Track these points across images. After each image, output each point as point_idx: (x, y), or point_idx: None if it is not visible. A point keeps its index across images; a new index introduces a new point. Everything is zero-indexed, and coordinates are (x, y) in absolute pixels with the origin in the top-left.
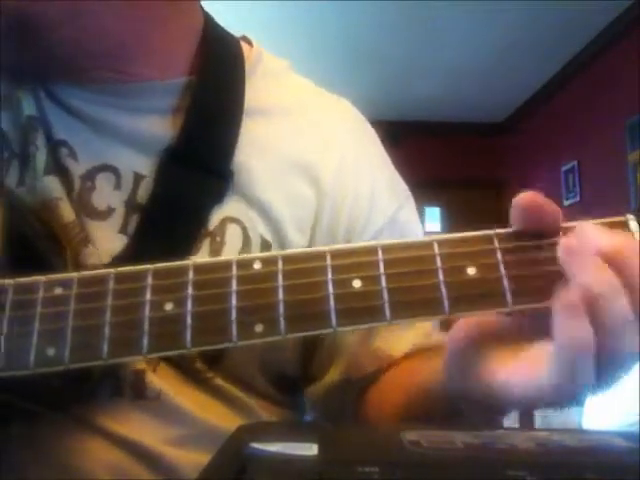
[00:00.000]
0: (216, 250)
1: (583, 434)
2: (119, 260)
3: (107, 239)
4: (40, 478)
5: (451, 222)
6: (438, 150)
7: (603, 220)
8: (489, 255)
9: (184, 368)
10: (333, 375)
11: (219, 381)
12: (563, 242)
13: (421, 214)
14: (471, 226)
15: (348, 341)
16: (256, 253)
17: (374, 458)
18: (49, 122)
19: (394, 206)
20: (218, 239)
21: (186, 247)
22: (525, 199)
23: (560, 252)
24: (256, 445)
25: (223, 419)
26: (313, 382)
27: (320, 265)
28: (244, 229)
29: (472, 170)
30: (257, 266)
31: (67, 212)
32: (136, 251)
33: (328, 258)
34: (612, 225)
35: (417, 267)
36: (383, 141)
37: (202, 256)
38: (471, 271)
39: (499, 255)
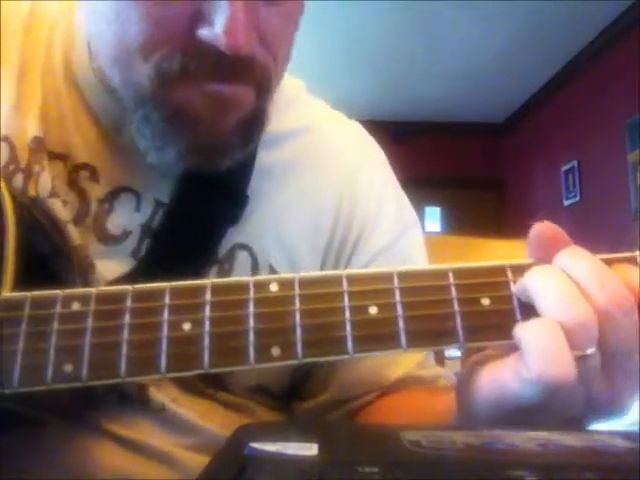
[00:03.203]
0: (223, 277)
1: (583, 434)
2: (124, 281)
3: (117, 264)
4: None
5: (451, 222)
6: (438, 150)
7: (612, 256)
8: (503, 287)
9: (185, 385)
10: (324, 397)
11: (221, 395)
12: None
13: (421, 214)
14: (471, 226)
15: (341, 366)
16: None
17: (374, 458)
18: (72, 144)
19: (395, 233)
20: (227, 266)
21: (194, 273)
22: (541, 228)
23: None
24: (256, 445)
25: (229, 426)
26: (302, 401)
27: (337, 291)
28: (253, 256)
29: (472, 170)
30: (274, 288)
31: (75, 235)
32: (143, 274)
33: (345, 284)
34: (621, 260)
35: (432, 296)
36: (384, 141)
37: None
38: (485, 302)
39: (512, 287)
